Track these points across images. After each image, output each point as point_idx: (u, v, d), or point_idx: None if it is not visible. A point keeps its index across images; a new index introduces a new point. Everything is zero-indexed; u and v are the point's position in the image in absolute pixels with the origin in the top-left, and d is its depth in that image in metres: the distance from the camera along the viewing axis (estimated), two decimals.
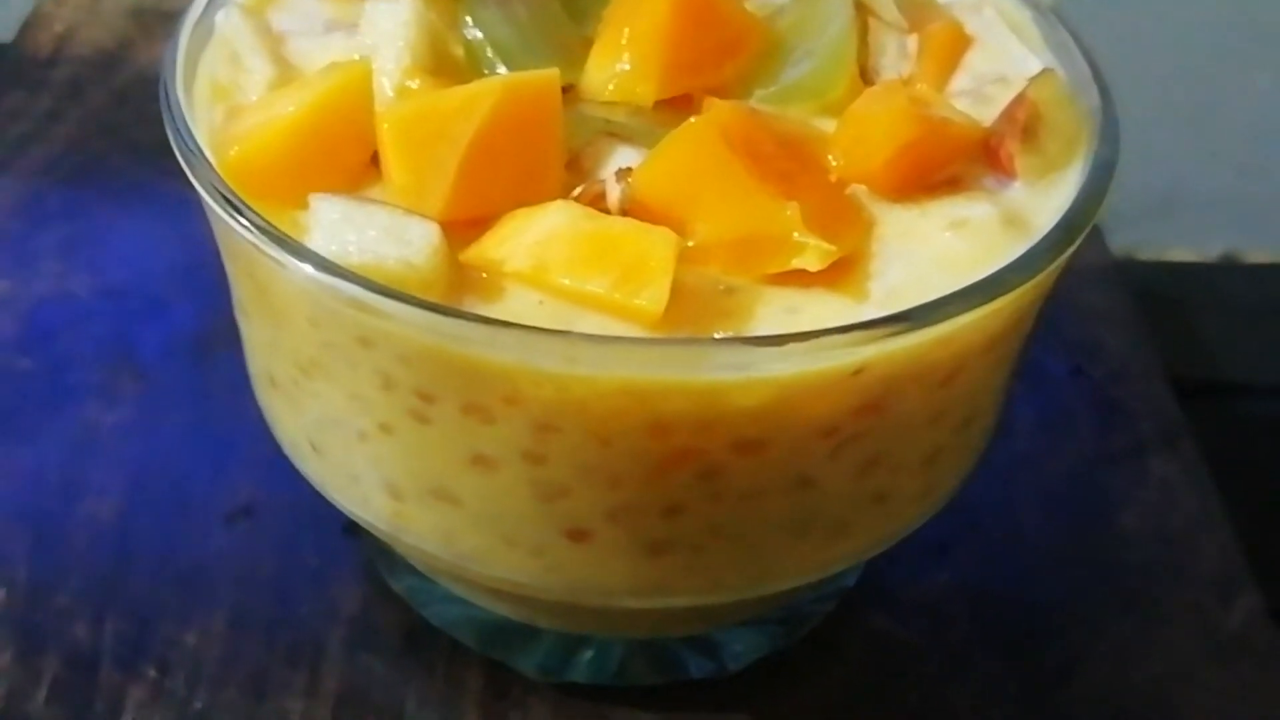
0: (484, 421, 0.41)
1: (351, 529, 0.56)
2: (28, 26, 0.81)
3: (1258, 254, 1.15)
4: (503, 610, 0.53)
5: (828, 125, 0.48)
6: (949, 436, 0.47)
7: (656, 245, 0.41)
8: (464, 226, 0.42)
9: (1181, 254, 1.15)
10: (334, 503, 0.48)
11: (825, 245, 0.42)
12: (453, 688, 0.53)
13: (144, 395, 0.61)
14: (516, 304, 0.41)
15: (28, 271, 0.66)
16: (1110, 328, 0.68)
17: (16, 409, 0.60)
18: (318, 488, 0.48)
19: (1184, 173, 1.10)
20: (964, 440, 0.48)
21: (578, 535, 0.44)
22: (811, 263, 0.42)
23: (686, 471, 0.42)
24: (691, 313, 0.41)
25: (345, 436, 0.45)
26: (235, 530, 0.56)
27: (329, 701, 0.51)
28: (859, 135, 0.45)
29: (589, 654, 0.53)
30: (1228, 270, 1.15)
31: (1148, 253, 1.15)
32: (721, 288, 0.42)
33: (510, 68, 0.47)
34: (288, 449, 0.49)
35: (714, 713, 0.53)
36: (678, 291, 0.40)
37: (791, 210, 0.42)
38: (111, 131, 0.74)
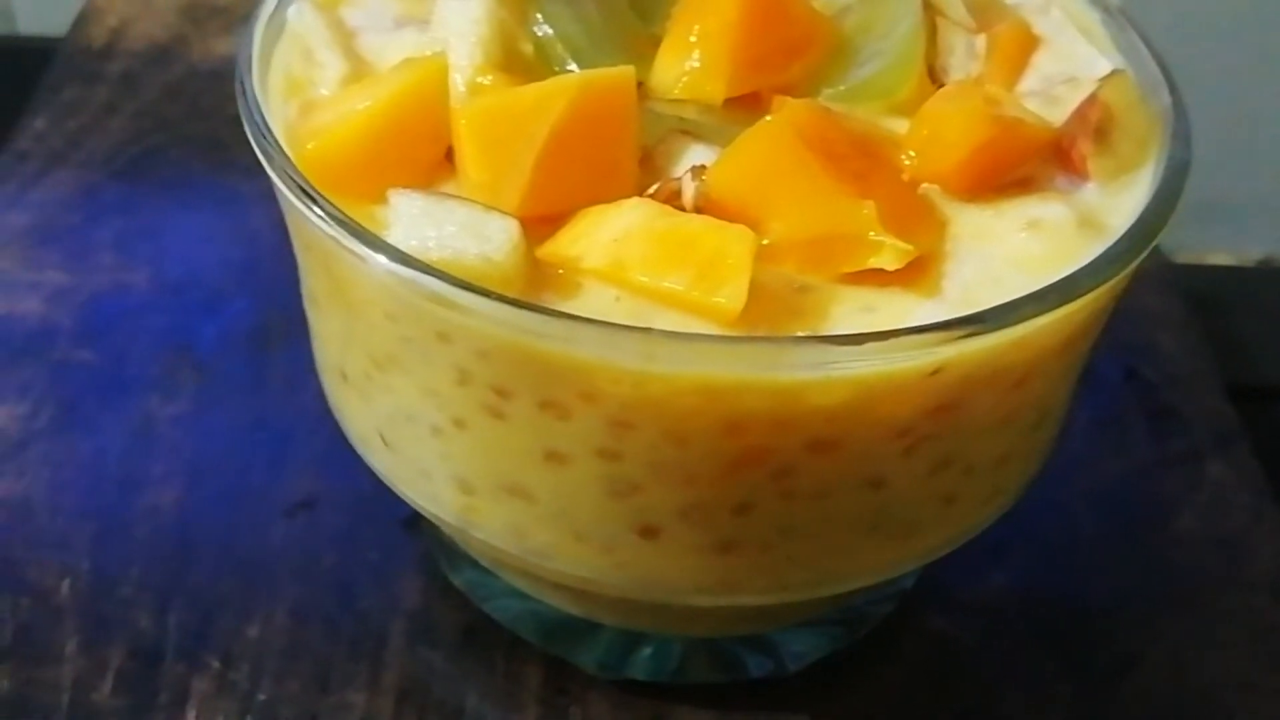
0: (559, 418, 0.42)
1: (411, 522, 0.56)
2: (81, 20, 0.81)
3: None
4: (564, 605, 0.53)
5: (896, 124, 0.48)
6: (1019, 438, 0.47)
7: (734, 243, 0.41)
8: (539, 222, 0.43)
9: (1221, 258, 1.15)
10: (403, 497, 0.48)
11: (902, 245, 0.42)
12: (512, 682, 0.53)
13: (202, 388, 0.62)
14: (594, 300, 0.41)
15: (86, 264, 0.66)
16: (1164, 331, 0.68)
17: (78, 400, 0.60)
18: (386, 481, 0.49)
19: (1224, 177, 1.10)
20: (1032, 442, 0.48)
21: (648, 532, 0.44)
22: (889, 262, 0.42)
23: (759, 470, 0.42)
24: (767, 311, 0.41)
25: (418, 431, 0.45)
26: (295, 523, 0.57)
27: (391, 695, 0.52)
28: (933, 135, 0.45)
29: (648, 651, 0.53)
30: (1269, 274, 1.15)
31: (1186, 256, 1.15)
32: (796, 286, 0.42)
33: (580, 65, 0.47)
34: (357, 443, 0.49)
35: (772, 712, 0.53)
36: (753, 290, 0.40)
37: (868, 209, 0.42)
38: (166, 125, 0.74)
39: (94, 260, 0.67)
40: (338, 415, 0.50)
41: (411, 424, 0.45)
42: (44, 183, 0.70)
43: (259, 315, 0.64)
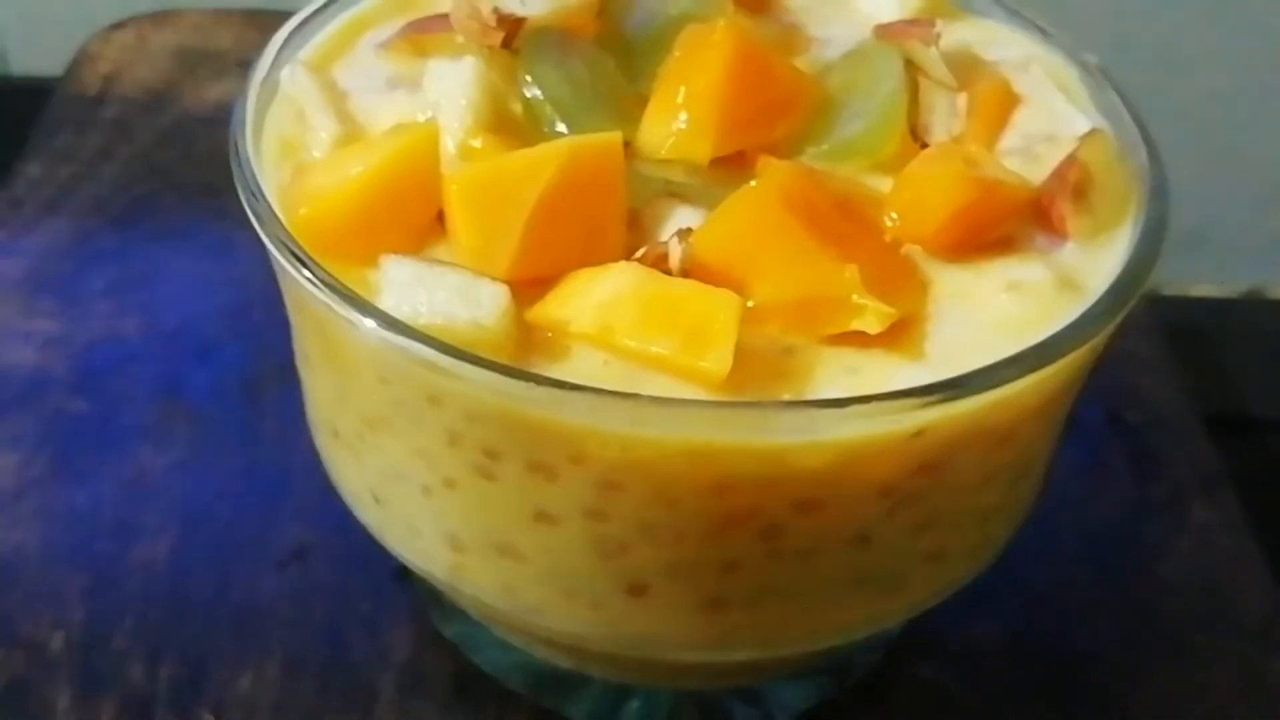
0: (548, 479, 0.42)
1: (402, 573, 0.57)
2: (75, 66, 0.82)
3: None
4: (554, 658, 0.53)
5: (879, 182, 0.48)
6: (1003, 493, 0.47)
7: (720, 308, 0.41)
8: (528, 285, 0.43)
9: (1206, 289, 1.16)
10: (393, 553, 0.49)
11: (884, 308, 0.42)
12: None
13: (195, 437, 0.62)
14: (582, 364, 0.42)
15: (79, 313, 0.67)
16: (1146, 373, 0.68)
17: (71, 451, 0.61)
18: (377, 537, 0.49)
19: (1209, 208, 1.11)
20: (1017, 496, 0.49)
21: (637, 590, 0.45)
22: (871, 325, 0.42)
23: (747, 530, 0.43)
24: (752, 373, 0.42)
25: (408, 490, 0.46)
26: (287, 574, 0.57)
27: None
28: (915, 198, 0.46)
29: (637, 703, 0.54)
30: (1253, 306, 1.16)
31: (1173, 288, 1.16)
32: (781, 348, 0.43)
33: (569, 125, 0.48)
34: (348, 498, 0.50)
35: None
36: (739, 352, 0.41)
37: (850, 273, 0.43)
38: (159, 172, 0.75)
39: (87, 308, 0.67)
40: (329, 470, 0.51)
41: (402, 483, 0.46)
42: (37, 230, 0.71)
43: (251, 362, 0.65)
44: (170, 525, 0.59)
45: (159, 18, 0.84)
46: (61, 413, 0.63)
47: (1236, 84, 1.11)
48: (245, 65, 0.77)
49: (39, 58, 1.01)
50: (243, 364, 0.65)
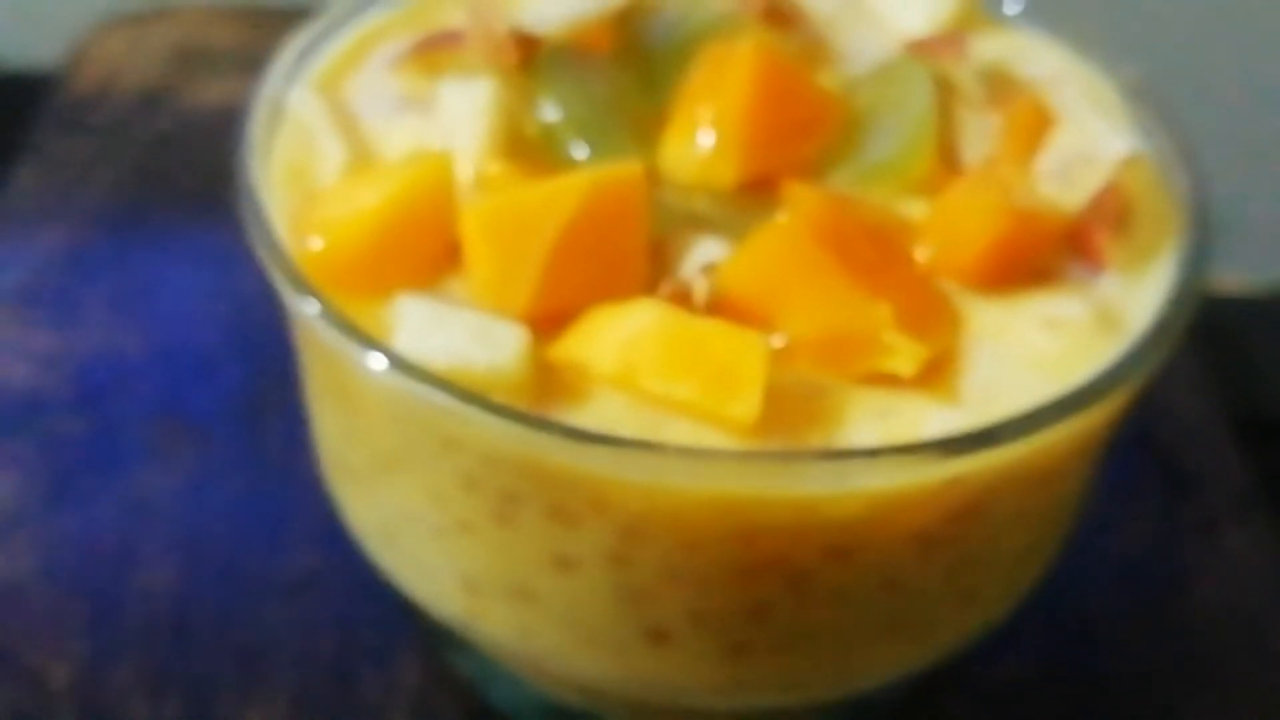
0: (569, 526, 0.41)
1: (412, 605, 0.55)
2: (71, 66, 0.79)
3: None
4: (566, 696, 0.52)
5: (909, 205, 0.47)
6: (1039, 532, 0.46)
7: (747, 350, 0.40)
8: (548, 320, 0.41)
9: (1237, 285, 1.13)
10: (404, 592, 0.47)
11: (916, 348, 0.41)
12: None
13: (197, 459, 0.60)
14: (604, 408, 0.40)
15: (76, 328, 0.65)
16: (1179, 387, 0.67)
17: (71, 474, 0.59)
18: (388, 576, 0.48)
19: (1241, 202, 1.09)
20: (1053, 533, 0.47)
21: (659, 637, 0.43)
22: (903, 367, 0.41)
23: (774, 577, 0.41)
24: (781, 415, 0.40)
25: (421, 530, 0.44)
26: (294, 603, 0.56)
27: None
28: (949, 229, 0.44)
29: None
30: None
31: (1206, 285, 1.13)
32: (811, 388, 0.41)
33: (588, 147, 0.46)
34: (357, 534, 0.48)
35: None
36: (768, 392, 0.39)
37: (882, 310, 0.41)
38: (156, 177, 0.73)
39: (85, 323, 0.65)
40: (337, 504, 0.49)
41: (415, 523, 0.44)
42: (33, 241, 0.69)
43: (252, 382, 0.63)
44: (173, 552, 0.57)
45: (155, 16, 0.82)
46: (60, 434, 0.61)
47: (1270, 74, 1.09)
48: (244, 65, 0.75)
49: (33, 49, 0.98)
50: (245, 381, 0.63)
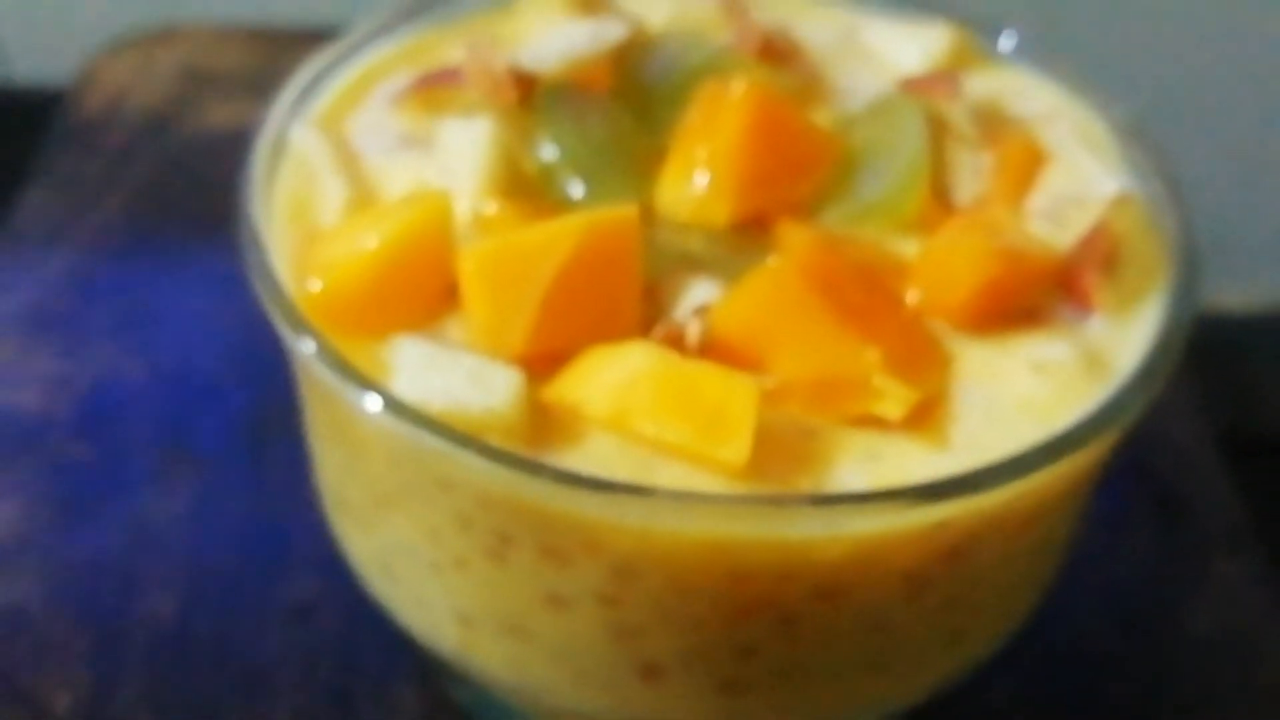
0: (561, 565, 0.41)
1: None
2: (77, 89, 0.80)
3: None
4: None
5: (902, 243, 0.47)
6: (1026, 571, 0.46)
7: (738, 395, 0.40)
8: (543, 360, 0.42)
9: (1233, 302, 1.14)
10: (400, 625, 0.48)
11: (905, 391, 0.41)
12: None
13: (201, 484, 0.61)
14: (597, 449, 0.40)
15: (82, 352, 0.66)
16: (1172, 417, 0.67)
17: (76, 499, 0.60)
18: (384, 609, 0.48)
19: (1237, 219, 1.09)
20: (1040, 570, 0.48)
21: (650, 673, 0.44)
22: (891, 411, 0.41)
23: (764, 617, 0.42)
24: (771, 458, 0.41)
25: (418, 566, 0.45)
26: (295, 629, 0.56)
27: None
28: (939, 271, 0.45)
29: None
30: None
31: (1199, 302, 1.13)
32: (801, 430, 0.42)
33: (585, 186, 0.47)
34: (355, 567, 0.49)
35: None
36: (758, 434, 0.40)
37: (872, 354, 0.42)
38: (163, 200, 0.74)
39: (91, 347, 0.66)
40: (337, 537, 0.50)
41: (412, 558, 0.45)
42: (40, 263, 0.70)
43: (258, 407, 0.64)
44: (176, 577, 0.58)
45: (163, 37, 0.82)
46: (64, 459, 0.61)
47: (1265, 92, 1.09)
48: (251, 87, 0.76)
49: (42, 69, 0.99)
50: (249, 407, 0.64)
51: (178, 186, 0.75)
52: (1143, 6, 1.03)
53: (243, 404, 0.64)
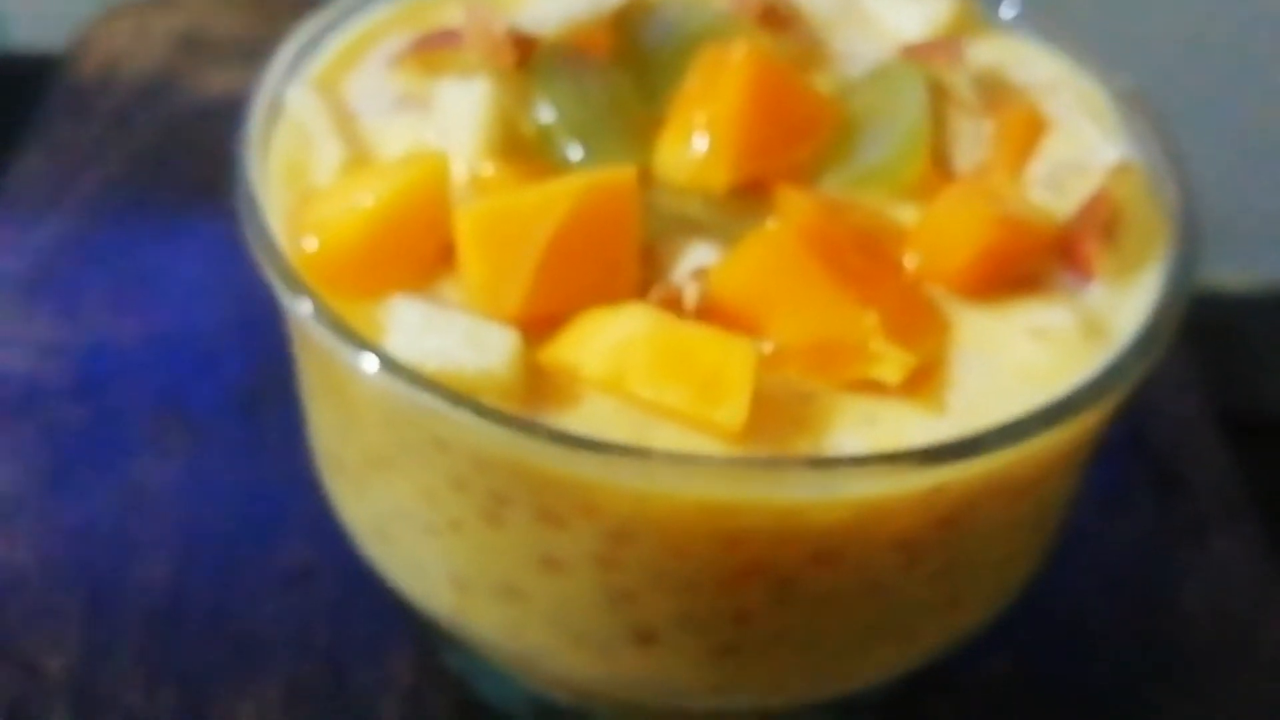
0: (557, 528, 0.41)
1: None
2: (74, 53, 0.80)
3: None
4: (556, 694, 0.52)
5: (902, 210, 0.47)
6: (1024, 538, 0.46)
7: (735, 357, 0.40)
8: (539, 322, 0.42)
9: (1233, 282, 1.14)
10: (395, 589, 0.48)
11: (903, 356, 0.41)
12: None
13: (195, 450, 0.61)
14: (593, 411, 0.40)
15: (77, 317, 0.65)
16: (1170, 392, 0.67)
17: (71, 463, 0.60)
18: (379, 572, 0.48)
19: (1238, 199, 1.09)
20: (1038, 539, 0.48)
21: (646, 638, 0.43)
22: (889, 374, 0.41)
23: (759, 581, 0.42)
24: (768, 421, 0.40)
25: (413, 529, 0.45)
26: (289, 594, 0.56)
27: None
28: (938, 237, 0.44)
29: None
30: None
31: (1197, 281, 1.13)
32: (798, 394, 0.42)
33: (583, 149, 0.47)
34: (351, 531, 0.49)
35: None
36: (755, 398, 0.40)
37: (870, 318, 0.41)
38: (159, 165, 0.73)
39: (86, 312, 0.66)
40: (332, 500, 0.50)
41: (407, 521, 0.45)
42: (36, 227, 0.69)
43: (251, 374, 0.64)
44: (170, 542, 0.57)
45: (159, 4, 0.82)
46: (60, 422, 0.61)
47: (1267, 72, 1.09)
48: (247, 53, 0.75)
49: (39, 35, 0.99)
50: (245, 373, 0.64)
51: (174, 151, 0.74)
52: None
53: (238, 369, 0.64)
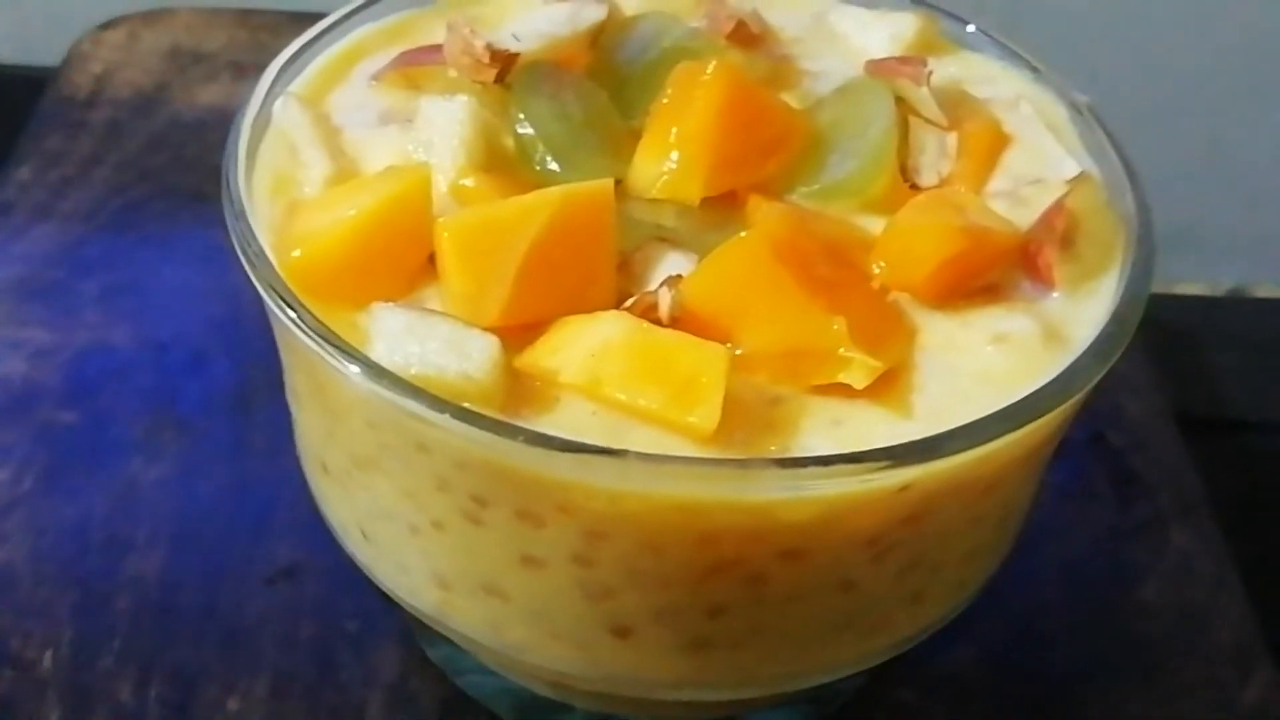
0: (535, 526, 0.43)
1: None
2: (65, 66, 0.81)
3: (1267, 288, 1.17)
4: (538, 687, 0.54)
5: (869, 222, 0.49)
6: (987, 535, 0.48)
7: (708, 362, 0.42)
8: (518, 330, 0.44)
9: (1191, 287, 1.16)
10: (380, 586, 0.49)
11: (870, 361, 0.43)
12: None
13: (185, 450, 0.62)
14: (570, 415, 0.42)
15: (69, 322, 0.67)
16: (1131, 391, 0.69)
17: (61, 464, 0.61)
18: (365, 571, 0.50)
19: (1195, 206, 1.12)
20: (1000, 536, 0.49)
21: (622, 632, 0.45)
22: (857, 379, 0.43)
23: (732, 577, 0.43)
24: (739, 424, 0.42)
25: (396, 528, 0.46)
26: (277, 591, 0.58)
27: None
28: (903, 247, 0.46)
29: None
30: (1237, 304, 1.17)
31: (1157, 285, 1.16)
32: (768, 398, 0.43)
33: (561, 163, 0.48)
34: (337, 531, 0.50)
35: None
36: (727, 401, 0.41)
37: (839, 325, 0.43)
38: (149, 176, 0.75)
39: (78, 317, 0.67)
40: (318, 501, 0.51)
41: (390, 521, 0.46)
42: (28, 236, 0.71)
43: (241, 375, 0.65)
44: (160, 541, 0.59)
45: (150, 17, 0.84)
46: (51, 425, 0.63)
47: (1224, 82, 1.11)
48: (236, 67, 0.77)
49: (31, 48, 1.00)
50: (233, 375, 0.65)
51: (164, 163, 0.76)
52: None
53: (226, 373, 0.65)
